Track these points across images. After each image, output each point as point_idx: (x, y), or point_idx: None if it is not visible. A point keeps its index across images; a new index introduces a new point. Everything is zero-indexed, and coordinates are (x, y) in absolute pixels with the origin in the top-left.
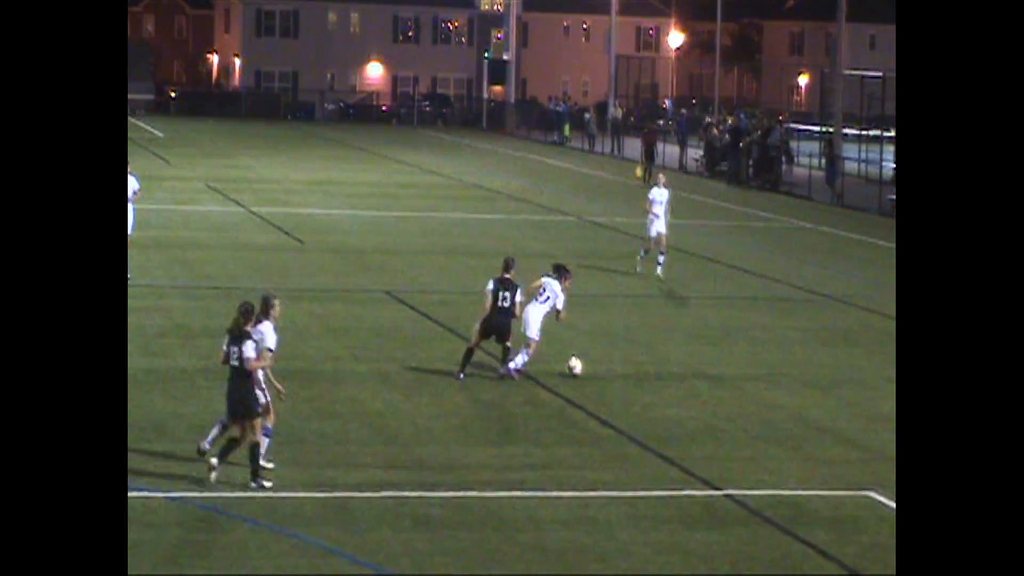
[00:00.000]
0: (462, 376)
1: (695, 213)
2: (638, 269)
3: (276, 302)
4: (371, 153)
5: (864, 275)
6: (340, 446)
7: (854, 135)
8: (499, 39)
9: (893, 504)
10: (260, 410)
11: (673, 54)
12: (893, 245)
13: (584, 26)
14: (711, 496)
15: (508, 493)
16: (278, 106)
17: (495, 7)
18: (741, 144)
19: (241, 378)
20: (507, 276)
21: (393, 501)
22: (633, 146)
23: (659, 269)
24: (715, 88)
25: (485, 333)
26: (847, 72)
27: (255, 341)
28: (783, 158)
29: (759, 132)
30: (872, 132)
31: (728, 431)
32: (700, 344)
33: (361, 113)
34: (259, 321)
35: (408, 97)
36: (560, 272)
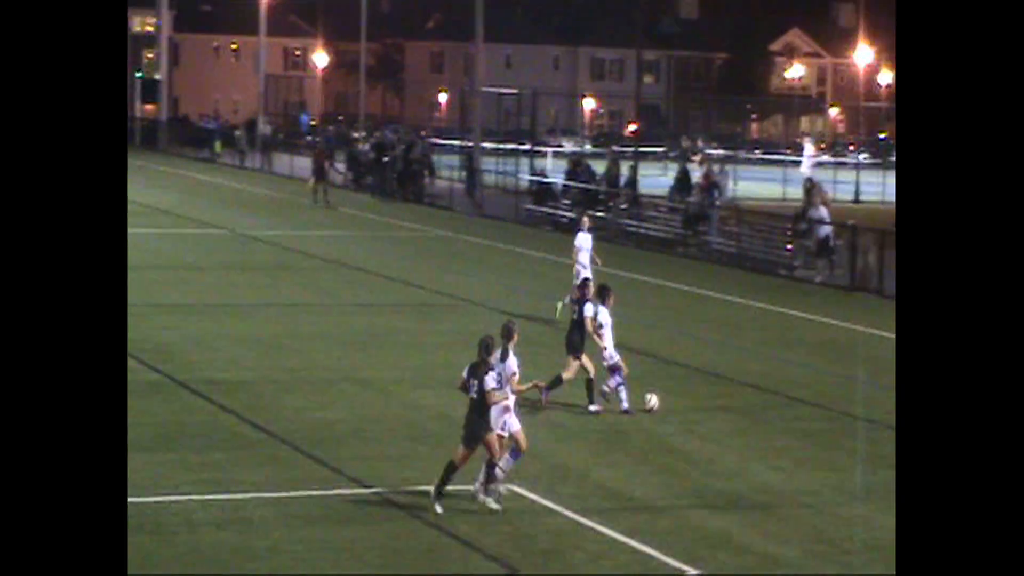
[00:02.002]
0: None
1: (343, 224)
2: (557, 316)
3: (515, 329)
4: None
5: (503, 280)
6: None
7: (492, 148)
8: (150, 59)
9: (532, 495)
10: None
11: (320, 73)
12: (529, 251)
13: (233, 47)
14: (360, 494)
15: (164, 498)
16: None
17: (145, 28)
18: (385, 158)
19: (479, 410)
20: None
21: None
22: (282, 161)
23: None
24: (360, 105)
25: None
26: (485, 89)
27: (497, 373)
28: (426, 171)
29: (403, 147)
30: (509, 145)
31: (376, 431)
32: (348, 349)
33: None
34: (505, 353)
35: None
36: (603, 294)
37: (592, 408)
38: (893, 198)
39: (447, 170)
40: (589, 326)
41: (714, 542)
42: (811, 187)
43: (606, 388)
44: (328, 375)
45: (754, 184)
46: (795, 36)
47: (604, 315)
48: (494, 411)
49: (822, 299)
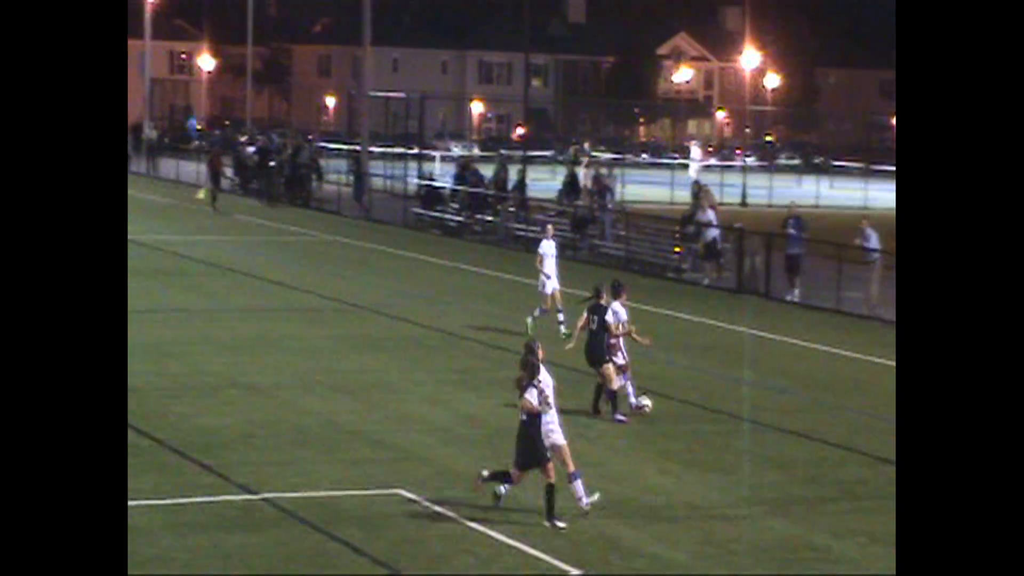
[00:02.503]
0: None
1: (230, 230)
2: (529, 331)
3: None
4: None
5: (390, 285)
6: None
7: (380, 152)
8: None
9: (420, 499)
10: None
11: (206, 77)
12: (417, 256)
13: None
14: (248, 500)
15: None
16: None
17: None
18: (272, 163)
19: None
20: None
21: None
22: (168, 166)
23: (562, 327)
24: (247, 109)
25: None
26: (373, 93)
27: (538, 389)
28: (313, 175)
29: (290, 151)
30: (397, 149)
31: (263, 437)
32: (235, 355)
33: None
34: (537, 368)
35: None
36: (616, 289)
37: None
38: (780, 201)
39: (335, 174)
40: (619, 330)
41: (604, 545)
42: (699, 190)
43: (633, 401)
44: (215, 381)
45: (642, 187)
46: (682, 40)
47: (622, 312)
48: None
49: (710, 301)
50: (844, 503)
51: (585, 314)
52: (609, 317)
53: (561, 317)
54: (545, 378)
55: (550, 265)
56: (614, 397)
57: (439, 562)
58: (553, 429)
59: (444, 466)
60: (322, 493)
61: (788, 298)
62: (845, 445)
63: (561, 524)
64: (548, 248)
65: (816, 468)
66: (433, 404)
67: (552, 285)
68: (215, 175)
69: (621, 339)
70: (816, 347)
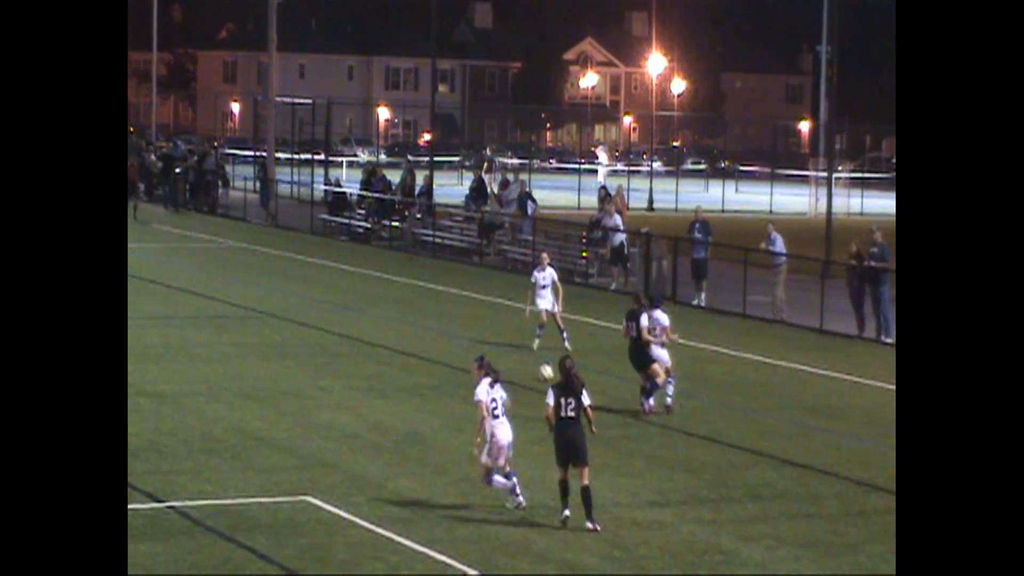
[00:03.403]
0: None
1: (135, 236)
2: (535, 347)
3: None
4: None
5: (298, 291)
6: None
7: (286, 159)
8: None
9: (328, 507)
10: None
11: None
12: (325, 262)
13: None
14: (155, 509)
15: None
16: None
17: None
18: (178, 169)
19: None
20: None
21: None
22: None
23: (567, 343)
24: (152, 116)
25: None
26: (279, 99)
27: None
28: (219, 182)
29: (195, 158)
30: (303, 156)
31: (171, 445)
32: (141, 363)
33: None
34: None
35: None
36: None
37: (649, 403)
38: (687, 205)
39: (241, 181)
40: (652, 335)
41: (513, 550)
42: (605, 195)
43: (669, 401)
44: None
45: (549, 193)
46: (589, 45)
47: (664, 318)
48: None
49: (617, 306)
50: (751, 506)
51: (624, 322)
52: (644, 322)
53: (566, 335)
54: (499, 392)
55: (545, 293)
56: (654, 389)
57: (348, 568)
58: (500, 429)
59: (353, 473)
60: (230, 501)
61: (694, 302)
62: (752, 448)
63: (595, 526)
64: (542, 278)
65: (723, 472)
66: (342, 411)
67: (544, 305)
68: (132, 184)
69: (663, 343)
70: (723, 351)
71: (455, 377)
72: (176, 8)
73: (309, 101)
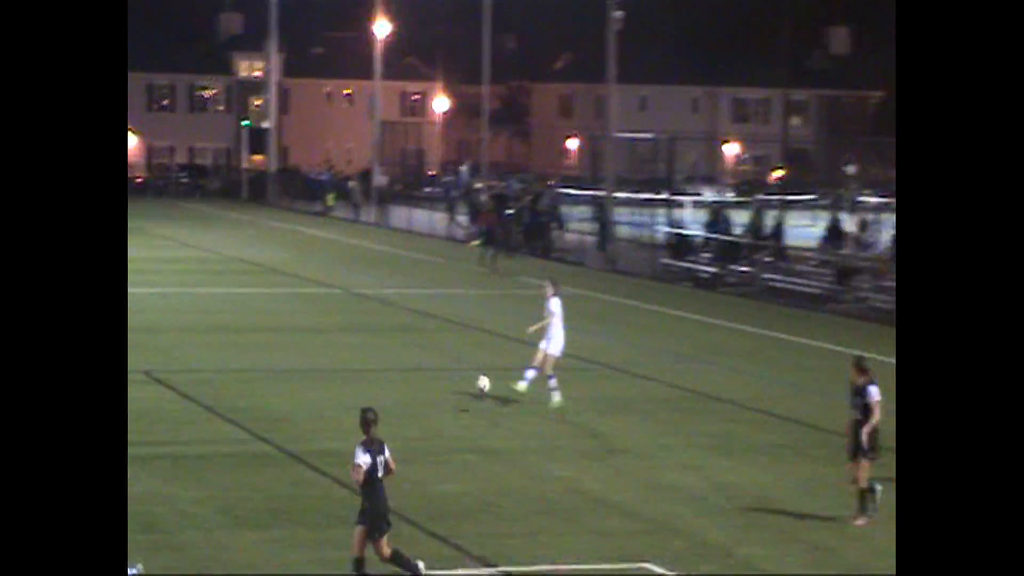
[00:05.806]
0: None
1: (466, 282)
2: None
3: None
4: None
5: (639, 341)
6: None
7: (625, 198)
8: (258, 106)
9: (670, 574)
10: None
11: (440, 119)
12: (666, 310)
13: (347, 92)
14: (486, 574)
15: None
16: None
17: (253, 73)
18: (510, 210)
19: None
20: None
21: None
22: (399, 215)
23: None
24: (483, 153)
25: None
26: (618, 135)
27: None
28: (554, 223)
29: (529, 197)
30: (644, 195)
31: (503, 506)
32: (472, 417)
33: None
34: None
35: (164, 168)
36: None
37: None
38: None
39: (577, 222)
40: (880, 413)
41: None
42: None
43: None
44: (452, 444)
45: None
46: None
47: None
48: None
49: None
50: None
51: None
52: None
53: (553, 383)
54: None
55: (557, 326)
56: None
57: None
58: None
59: (698, 538)
60: (565, 567)
61: None
62: None
63: None
64: (556, 306)
65: None
66: (686, 471)
67: (545, 346)
68: (490, 232)
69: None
70: None
71: (810, 436)
72: (510, 38)
73: (651, 136)
